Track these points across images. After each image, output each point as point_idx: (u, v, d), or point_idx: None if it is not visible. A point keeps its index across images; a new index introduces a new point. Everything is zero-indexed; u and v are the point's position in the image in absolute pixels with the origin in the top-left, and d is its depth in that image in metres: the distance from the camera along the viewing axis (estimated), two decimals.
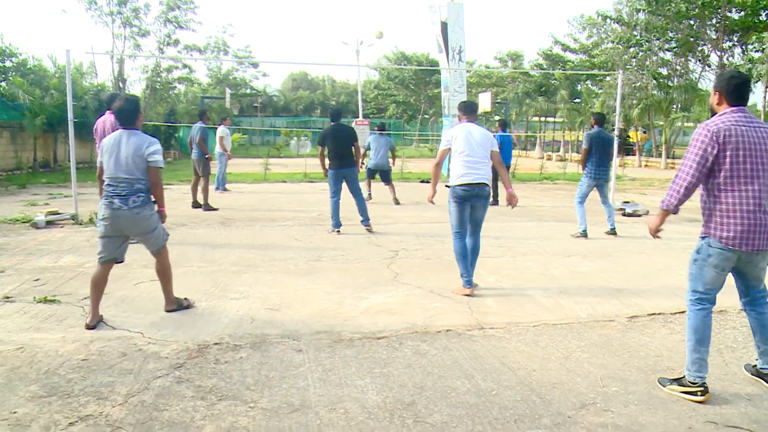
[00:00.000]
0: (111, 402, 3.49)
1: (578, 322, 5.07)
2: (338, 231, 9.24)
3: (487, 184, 5.88)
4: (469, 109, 6.19)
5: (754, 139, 3.47)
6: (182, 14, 28.08)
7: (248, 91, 56.51)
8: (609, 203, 9.55)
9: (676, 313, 5.34)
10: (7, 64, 24.86)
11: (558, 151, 40.03)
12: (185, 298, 5.32)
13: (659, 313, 5.36)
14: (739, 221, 3.47)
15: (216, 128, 15.37)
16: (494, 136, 13.16)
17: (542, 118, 45.82)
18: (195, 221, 10.26)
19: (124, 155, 4.76)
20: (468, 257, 5.94)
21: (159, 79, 30.07)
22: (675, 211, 3.68)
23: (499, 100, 41.58)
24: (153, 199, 4.92)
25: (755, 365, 3.90)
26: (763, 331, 3.75)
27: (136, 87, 30.08)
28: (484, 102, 32.45)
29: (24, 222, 9.73)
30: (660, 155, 31.68)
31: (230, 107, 34.11)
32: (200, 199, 11.96)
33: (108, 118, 8.09)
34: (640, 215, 11.61)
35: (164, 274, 5.18)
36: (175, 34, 28.37)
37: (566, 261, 7.48)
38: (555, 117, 43.89)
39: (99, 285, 4.86)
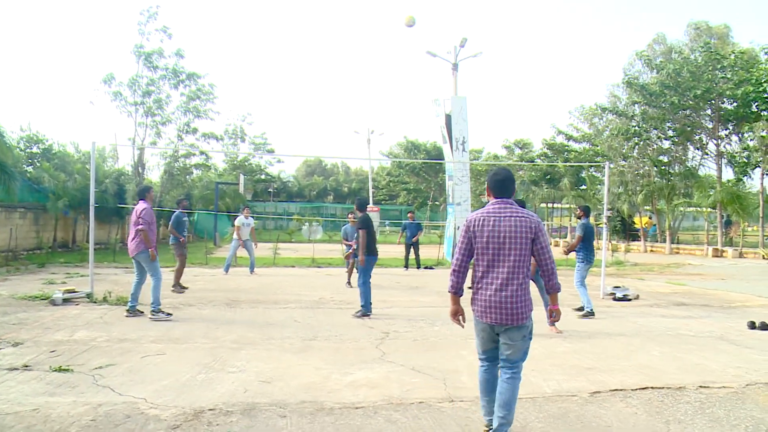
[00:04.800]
0: None
1: (542, 396, 5.54)
2: (369, 316, 9.64)
3: None
4: None
5: None
6: (202, 104, 29.50)
7: (263, 176, 58.02)
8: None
9: (637, 389, 5.80)
10: (35, 150, 26.28)
11: (566, 237, 40.61)
12: None
13: (621, 389, 5.81)
14: None
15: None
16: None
17: (549, 205, 46.69)
18: (203, 302, 10.84)
19: None
20: None
21: (177, 164, 31.31)
22: None
23: None
24: None
25: None
26: None
27: (154, 172, 31.35)
28: None
29: (43, 299, 10.41)
30: (665, 240, 32.19)
31: (243, 193, 35.20)
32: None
33: (139, 205, 9.27)
34: (630, 299, 12.02)
35: None
36: (194, 123, 29.77)
37: (546, 342, 7.94)
38: (561, 203, 44.71)
39: None
